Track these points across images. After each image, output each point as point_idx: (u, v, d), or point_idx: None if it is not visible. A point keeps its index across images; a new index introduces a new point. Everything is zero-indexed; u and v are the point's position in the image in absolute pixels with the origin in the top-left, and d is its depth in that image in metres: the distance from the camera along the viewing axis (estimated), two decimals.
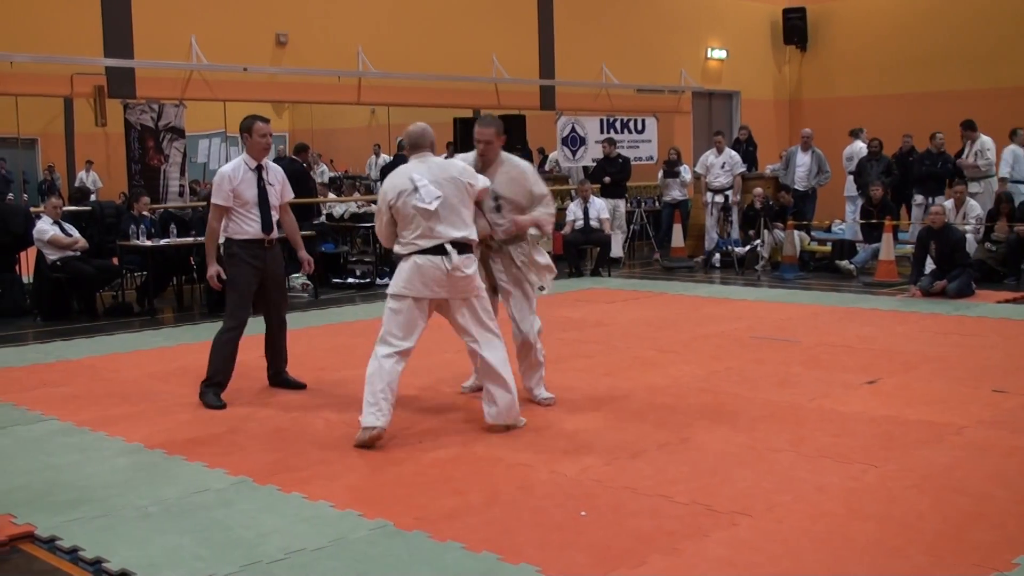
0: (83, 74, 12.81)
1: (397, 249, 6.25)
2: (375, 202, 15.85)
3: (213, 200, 7.16)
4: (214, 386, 7.19)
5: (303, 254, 7.65)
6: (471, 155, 6.85)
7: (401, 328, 6.17)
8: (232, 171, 7.17)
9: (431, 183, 6.09)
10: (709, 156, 16.17)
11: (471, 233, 6.20)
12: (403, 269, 6.16)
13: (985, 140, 14.91)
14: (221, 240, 7.31)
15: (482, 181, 6.38)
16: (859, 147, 16.45)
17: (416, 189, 6.07)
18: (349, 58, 14.97)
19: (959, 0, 19.39)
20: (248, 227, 7.18)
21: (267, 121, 7.32)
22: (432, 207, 6.04)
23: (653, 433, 6.23)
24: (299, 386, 7.65)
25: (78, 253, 11.43)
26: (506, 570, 4.20)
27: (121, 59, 12.91)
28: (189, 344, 9.65)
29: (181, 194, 13.71)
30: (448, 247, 6.06)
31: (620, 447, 5.95)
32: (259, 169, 7.25)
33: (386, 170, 14.27)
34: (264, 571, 4.25)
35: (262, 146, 7.26)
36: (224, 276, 7.24)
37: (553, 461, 5.69)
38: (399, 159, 14.00)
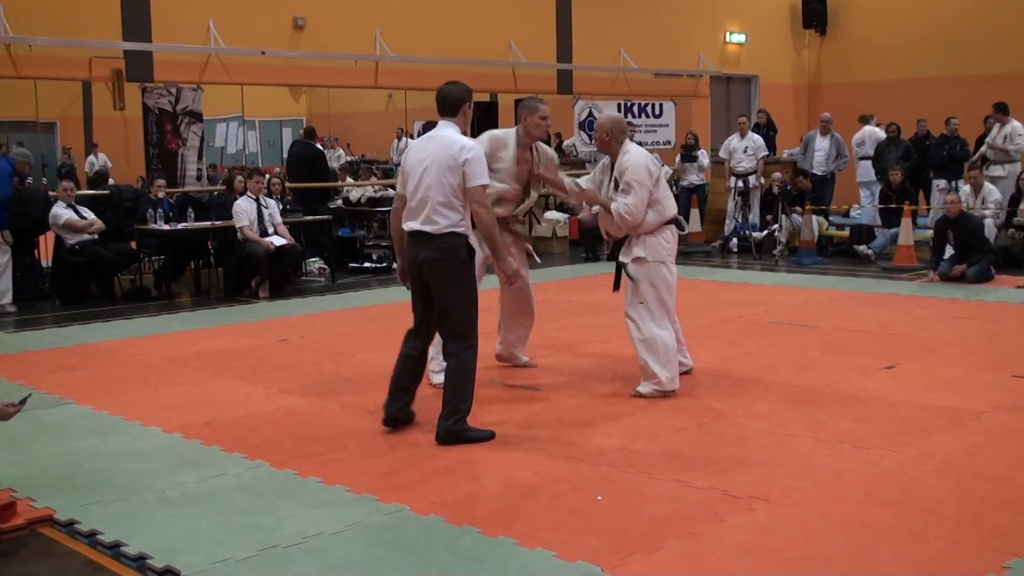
0: (101, 57, 12.81)
1: (653, 218, 6.65)
2: (393, 187, 15.83)
3: (485, 182, 5.73)
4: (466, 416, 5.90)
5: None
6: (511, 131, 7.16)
7: (670, 294, 6.75)
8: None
9: None
10: (733, 140, 16.10)
11: None
12: (664, 239, 6.72)
13: (1016, 125, 14.66)
14: (441, 230, 5.70)
15: None
16: (869, 132, 16.33)
17: (662, 165, 6.83)
18: (367, 42, 14.93)
19: None
20: None
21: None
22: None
23: (670, 418, 6.22)
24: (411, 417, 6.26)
25: (96, 237, 11.46)
26: (523, 555, 4.20)
27: (139, 43, 12.91)
28: (207, 328, 9.68)
29: (199, 178, 13.72)
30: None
31: (636, 432, 5.94)
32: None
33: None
34: (281, 555, 4.26)
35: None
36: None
37: (569, 446, 5.68)
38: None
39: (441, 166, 5.65)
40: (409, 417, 6.13)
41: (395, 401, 6.04)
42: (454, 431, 5.77)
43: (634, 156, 6.64)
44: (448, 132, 5.79)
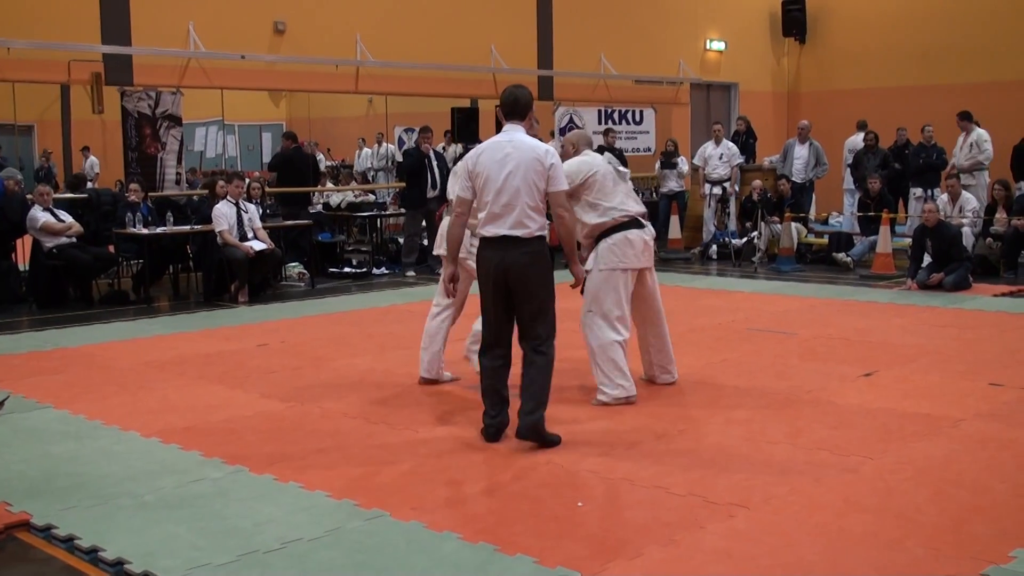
0: (80, 60, 12.75)
1: (596, 220, 6.61)
2: (372, 192, 15.80)
3: (567, 186, 5.84)
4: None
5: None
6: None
7: (624, 302, 6.67)
8: None
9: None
10: (708, 147, 16.18)
11: None
12: (614, 245, 6.62)
13: (981, 132, 14.77)
14: (532, 234, 5.69)
15: None
16: (859, 140, 16.42)
17: (610, 162, 6.79)
18: (347, 47, 14.91)
19: None
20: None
21: None
22: (627, 176, 6.87)
23: (650, 424, 6.23)
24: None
25: (74, 240, 11.41)
26: (503, 561, 4.20)
27: (118, 46, 12.85)
28: (186, 333, 9.64)
29: (178, 182, 13.67)
30: (642, 220, 6.74)
31: (617, 438, 5.95)
32: None
33: (406, 155, 13.92)
34: (260, 561, 4.25)
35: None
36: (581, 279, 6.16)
37: (550, 452, 5.68)
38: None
39: (528, 169, 5.62)
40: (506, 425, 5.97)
41: (494, 412, 5.90)
42: (539, 428, 5.72)
43: (575, 158, 6.68)
44: (523, 136, 5.76)
